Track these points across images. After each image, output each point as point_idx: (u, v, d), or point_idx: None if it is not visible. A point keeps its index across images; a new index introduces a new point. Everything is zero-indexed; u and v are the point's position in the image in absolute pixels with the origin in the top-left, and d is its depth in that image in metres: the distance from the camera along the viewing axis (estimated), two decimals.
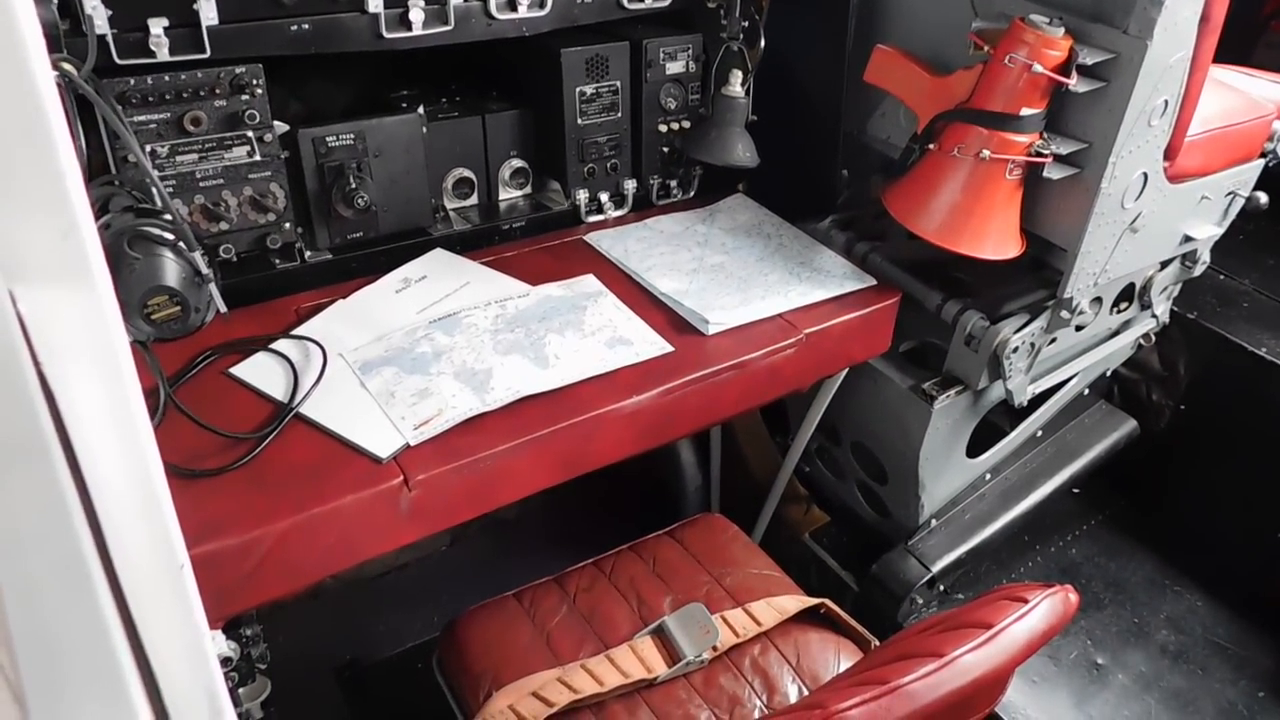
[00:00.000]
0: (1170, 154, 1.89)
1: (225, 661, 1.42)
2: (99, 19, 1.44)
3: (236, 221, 1.69)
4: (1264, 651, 2.35)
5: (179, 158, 1.61)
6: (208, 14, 1.51)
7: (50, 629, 0.54)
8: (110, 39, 1.46)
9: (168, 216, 1.41)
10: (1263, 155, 2.17)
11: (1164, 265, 2.22)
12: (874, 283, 1.95)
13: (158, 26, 1.49)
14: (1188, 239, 2.17)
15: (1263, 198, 2.24)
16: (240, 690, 1.59)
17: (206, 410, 1.44)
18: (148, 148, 1.57)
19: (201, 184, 1.64)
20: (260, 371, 1.57)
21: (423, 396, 1.52)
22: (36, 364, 0.47)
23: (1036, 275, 1.98)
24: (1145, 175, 1.86)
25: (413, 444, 1.45)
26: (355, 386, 1.54)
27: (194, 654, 0.68)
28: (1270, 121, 2.13)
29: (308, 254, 1.80)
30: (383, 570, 2.66)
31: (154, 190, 1.43)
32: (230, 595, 1.31)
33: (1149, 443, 2.63)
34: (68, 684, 0.56)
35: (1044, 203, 1.85)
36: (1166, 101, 1.76)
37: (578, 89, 1.96)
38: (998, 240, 1.84)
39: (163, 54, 1.51)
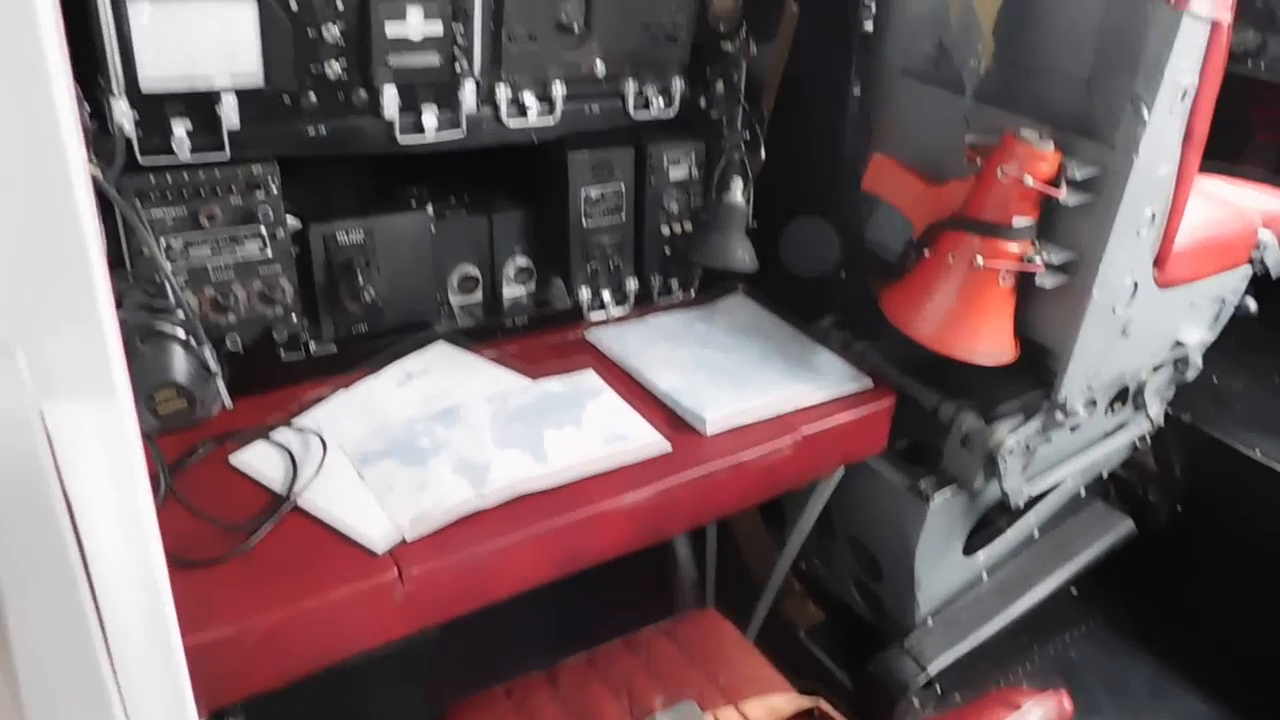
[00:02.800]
0: (1159, 262, 1.94)
1: None
2: (127, 123, 1.50)
3: (244, 313, 1.73)
4: None
5: (192, 251, 1.65)
6: (229, 116, 1.57)
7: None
8: (135, 140, 1.52)
9: (180, 313, 1.44)
10: (1250, 263, 2.22)
11: (1157, 369, 2.25)
12: (871, 384, 1.98)
13: (181, 128, 1.55)
14: (1179, 344, 2.21)
15: (1252, 304, 2.29)
16: None
17: (205, 498, 1.45)
18: (162, 241, 1.61)
19: (212, 276, 1.68)
20: (260, 460, 1.58)
21: (420, 489, 1.53)
22: (59, 476, 0.48)
23: (1031, 375, 2.01)
24: (1135, 283, 1.90)
25: (409, 538, 1.45)
26: (353, 478, 1.56)
27: None
28: (1255, 231, 2.19)
29: (312, 346, 1.83)
30: (370, 655, 2.61)
31: (167, 285, 1.47)
32: (218, 686, 1.30)
33: (1148, 543, 2.62)
34: None
35: (1037, 308, 1.89)
36: (1154, 213, 1.82)
37: (584, 191, 2.02)
38: (991, 345, 1.87)
39: (184, 154, 1.56)
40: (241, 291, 1.71)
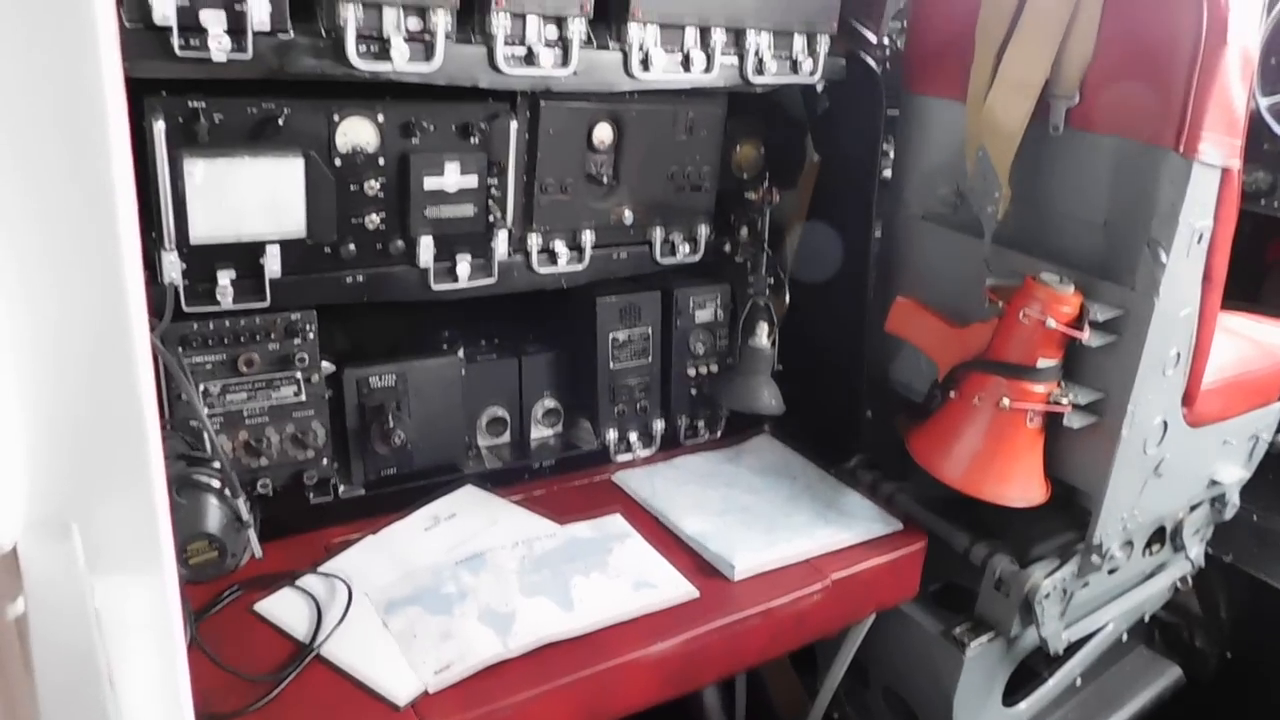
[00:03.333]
0: (1188, 401, 1.93)
1: None
2: (176, 275, 1.55)
3: (276, 457, 1.74)
4: None
5: (229, 395, 1.68)
6: (272, 266, 1.63)
7: None
8: (181, 289, 1.58)
9: (217, 463, 1.46)
10: None
11: (1194, 508, 2.21)
12: (901, 526, 1.95)
13: (225, 278, 1.61)
14: (1214, 482, 2.17)
15: None
16: None
17: (229, 646, 1.44)
18: (200, 387, 1.65)
19: (247, 420, 1.71)
20: (285, 608, 1.57)
21: (445, 639, 1.50)
22: (104, 646, 0.49)
23: (1065, 515, 1.97)
24: (1165, 422, 1.89)
25: (431, 690, 1.42)
26: (378, 626, 1.54)
27: None
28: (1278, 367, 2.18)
29: (341, 489, 1.84)
30: None
31: (205, 435, 1.49)
32: None
33: (1197, 692, 2.51)
34: None
35: (1066, 449, 1.88)
36: (1179, 353, 1.82)
37: (611, 334, 2.06)
38: (1021, 486, 1.85)
39: (227, 302, 1.62)
40: (275, 435, 1.73)
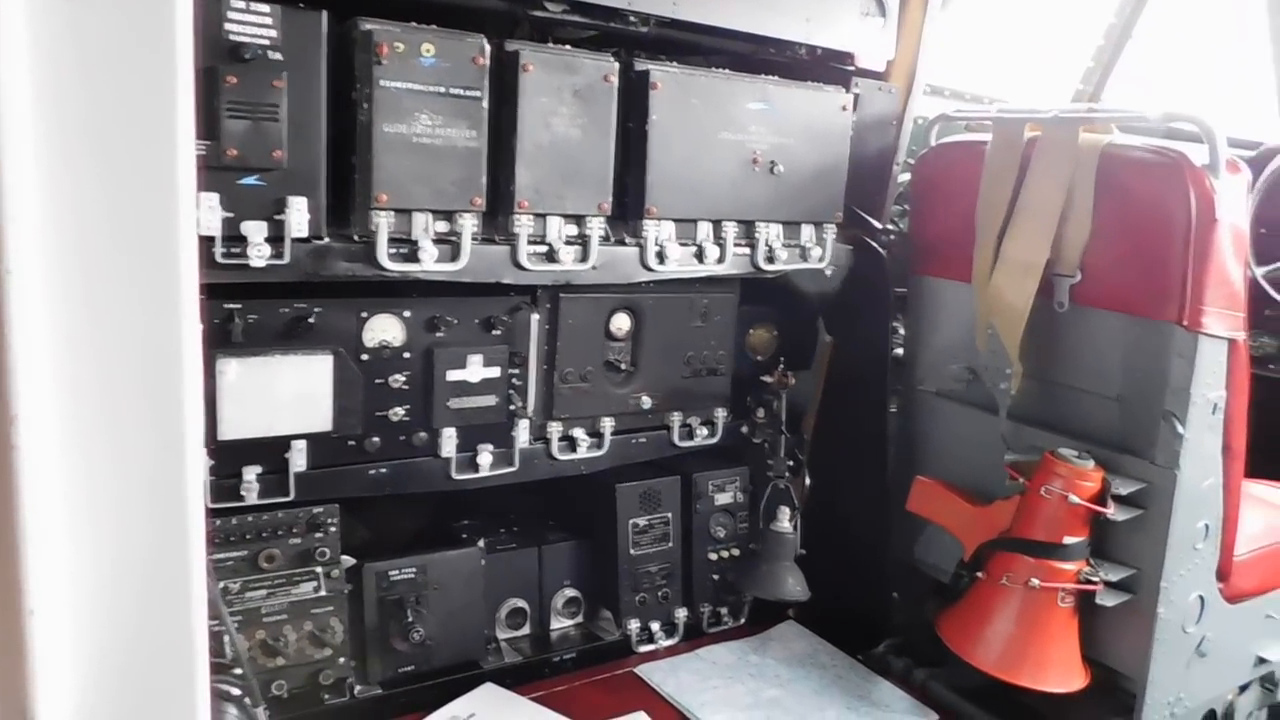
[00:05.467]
0: (1223, 575, 1.88)
1: None
2: (204, 473, 1.57)
3: (293, 657, 1.70)
4: None
5: (249, 593, 1.66)
6: (297, 462, 1.65)
7: None
8: (207, 486, 1.59)
9: (238, 670, 1.42)
10: None
11: (1243, 689, 2.11)
12: (936, 717, 1.87)
13: (251, 474, 1.62)
14: (1262, 660, 2.09)
15: None
16: None
17: None
18: (220, 584, 1.63)
19: (265, 619, 1.68)
20: None
21: None
22: None
23: (1109, 700, 1.89)
24: (1201, 598, 1.84)
25: None
26: None
27: None
28: None
29: (358, 689, 1.78)
30: None
31: (227, 640, 1.46)
32: None
33: None
34: None
35: (1103, 630, 1.82)
36: (1207, 525, 1.80)
37: (631, 521, 2.05)
38: (1060, 671, 1.78)
39: (251, 498, 1.63)
40: (292, 633, 1.70)
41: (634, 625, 2.06)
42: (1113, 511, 1.73)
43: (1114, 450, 1.79)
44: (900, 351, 2.20)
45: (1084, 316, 1.86)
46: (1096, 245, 1.81)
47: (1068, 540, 1.76)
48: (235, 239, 1.44)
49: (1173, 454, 1.72)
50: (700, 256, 1.89)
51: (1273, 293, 2.70)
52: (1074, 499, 1.73)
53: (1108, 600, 1.77)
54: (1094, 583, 1.75)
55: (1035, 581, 1.75)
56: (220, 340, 1.55)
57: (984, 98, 2.63)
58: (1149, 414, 1.75)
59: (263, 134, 1.44)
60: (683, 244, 1.87)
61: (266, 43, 1.43)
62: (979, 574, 1.84)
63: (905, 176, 2.23)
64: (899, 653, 2.09)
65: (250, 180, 1.45)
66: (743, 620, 2.23)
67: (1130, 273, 1.79)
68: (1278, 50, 2.96)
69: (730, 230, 1.91)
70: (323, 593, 1.72)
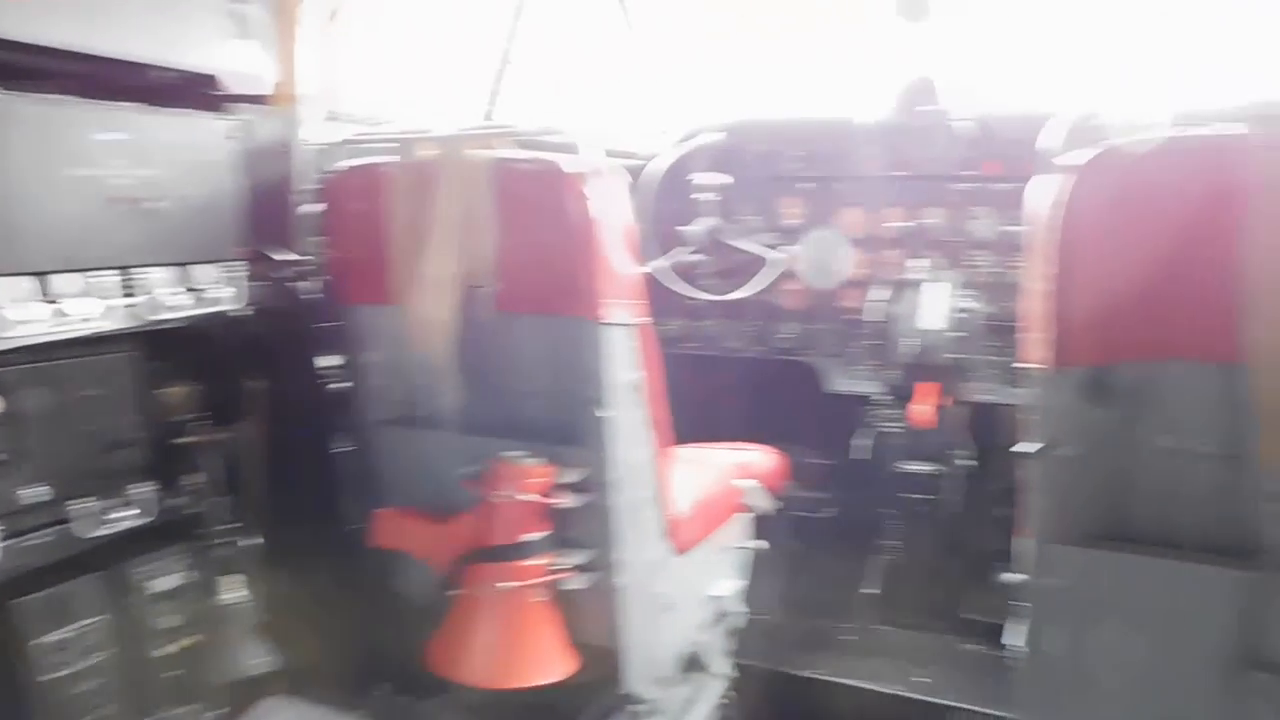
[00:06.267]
0: (671, 532, 2.07)
1: None
2: None
3: None
4: None
5: None
6: None
7: None
8: None
9: None
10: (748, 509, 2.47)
11: (709, 626, 2.35)
12: None
13: None
14: (715, 598, 2.35)
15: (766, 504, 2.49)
16: None
17: None
18: None
19: None
20: None
21: None
22: None
23: (602, 673, 1.97)
24: (656, 558, 2.01)
25: None
26: None
27: None
28: (735, 482, 2.45)
29: None
30: None
31: None
32: None
33: None
34: None
35: (584, 612, 1.90)
36: (647, 493, 1.96)
37: (45, 640, 1.67)
38: (546, 664, 1.84)
39: None
40: None
41: None
42: (562, 501, 1.81)
43: (558, 444, 1.88)
44: (344, 384, 2.10)
45: (510, 323, 1.92)
46: (506, 254, 1.87)
47: (527, 538, 1.80)
48: None
49: (604, 437, 1.84)
50: (64, 314, 1.59)
51: (666, 282, 3.07)
52: (527, 498, 1.77)
53: (578, 585, 1.85)
54: (562, 572, 1.83)
55: (506, 585, 1.77)
56: None
57: (392, 120, 2.59)
58: (580, 404, 1.86)
59: None
60: (44, 300, 1.56)
61: None
62: (453, 592, 1.82)
63: (315, 205, 2.11)
64: (403, 691, 2.00)
65: None
66: (227, 709, 1.96)
67: (540, 276, 1.90)
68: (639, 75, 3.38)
69: (104, 280, 1.64)
70: None
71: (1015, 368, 1.58)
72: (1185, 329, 1.44)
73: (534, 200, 1.86)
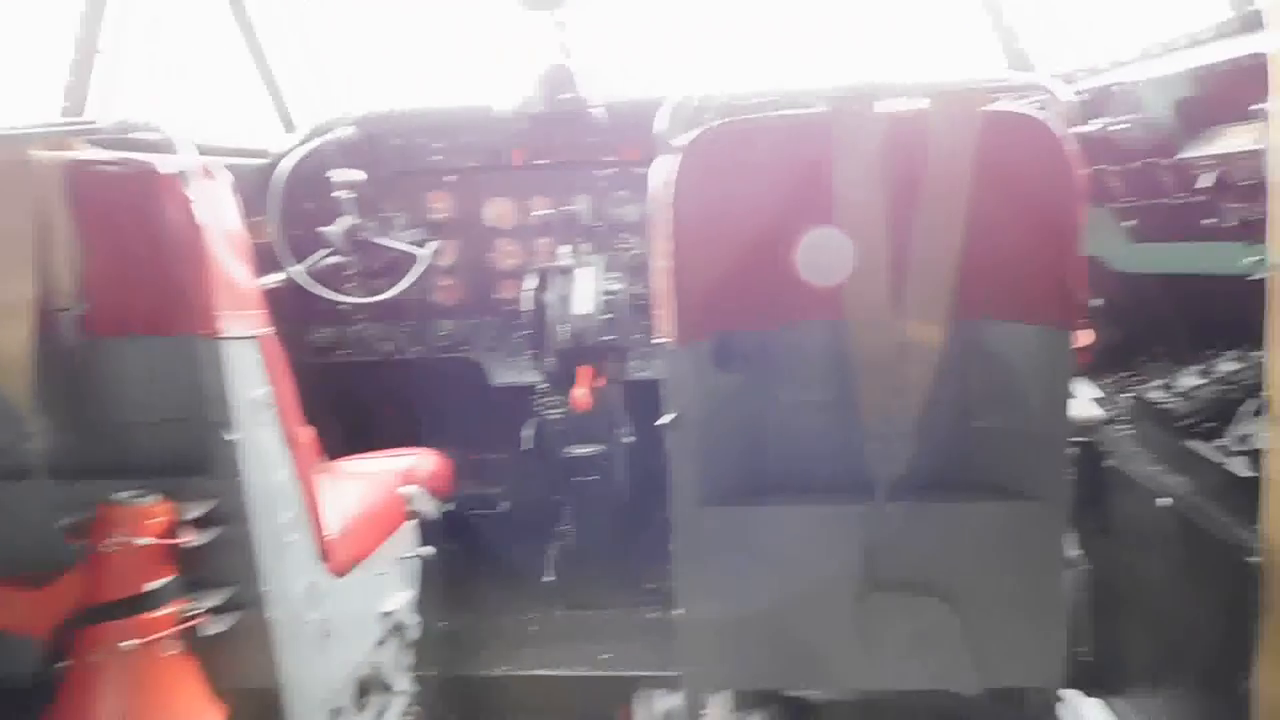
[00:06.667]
0: (325, 555, 1.94)
1: None
2: None
3: None
4: None
5: None
6: None
7: None
8: None
9: None
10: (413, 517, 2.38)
11: (381, 643, 2.23)
12: None
13: None
14: (387, 614, 2.24)
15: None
16: None
17: None
18: None
19: None
20: None
21: None
22: None
23: None
24: (311, 584, 1.87)
25: None
26: None
27: None
28: (400, 490, 2.35)
29: None
30: None
31: None
32: None
33: None
34: None
35: (228, 658, 1.72)
36: (293, 516, 1.82)
37: None
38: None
39: None
40: None
41: None
42: (189, 539, 1.62)
43: (180, 476, 1.69)
44: None
45: (105, 348, 1.70)
46: (94, 269, 1.65)
47: (150, 587, 1.60)
48: None
49: (233, 462, 1.68)
50: None
51: (308, 287, 2.88)
52: (142, 541, 1.57)
53: (217, 627, 1.68)
54: (195, 617, 1.64)
55: (130, 644, 1.56)
56: None
57: None
58: (202, 430, 1.68)
59: None
60: None
61: None
62: (61, 664, 1.57)
63: None
64: None
65: None
66: None
67: (140, 291, 1.70)
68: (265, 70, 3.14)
69: None
70: None
71: (654, 344, 1.63)
72: (790, 294, 1.56)
73: (125, 207, 1.65)
